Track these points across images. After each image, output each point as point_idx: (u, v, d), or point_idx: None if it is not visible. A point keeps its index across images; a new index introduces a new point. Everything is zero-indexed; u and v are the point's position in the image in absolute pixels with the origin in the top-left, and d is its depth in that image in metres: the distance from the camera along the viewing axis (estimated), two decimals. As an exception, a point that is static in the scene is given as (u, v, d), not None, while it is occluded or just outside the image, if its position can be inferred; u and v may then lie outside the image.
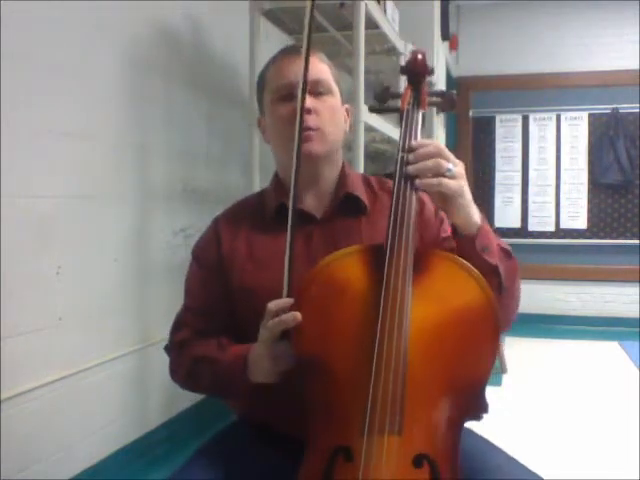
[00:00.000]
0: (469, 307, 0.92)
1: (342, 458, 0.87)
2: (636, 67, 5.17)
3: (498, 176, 5.63)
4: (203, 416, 2.62)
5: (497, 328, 0.92)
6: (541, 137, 5.54)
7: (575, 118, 5.44)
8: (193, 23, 2.72)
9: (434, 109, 1.19)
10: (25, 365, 1.89)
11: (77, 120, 2.05)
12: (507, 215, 5.58)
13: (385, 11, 2.86)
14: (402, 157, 0.98)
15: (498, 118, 5.62)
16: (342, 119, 1.19)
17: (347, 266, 0.96)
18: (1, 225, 1.76)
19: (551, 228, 5.50)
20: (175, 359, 1.18)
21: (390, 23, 2.94)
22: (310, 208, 1.15)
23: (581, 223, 5.44)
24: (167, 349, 1.21)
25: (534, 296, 5.22)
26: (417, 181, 0.95)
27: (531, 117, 5.54)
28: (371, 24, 2.64)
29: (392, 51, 3.09)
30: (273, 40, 2.68)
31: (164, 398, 2.59)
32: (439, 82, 4.14)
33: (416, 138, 1.01)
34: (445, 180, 0.94)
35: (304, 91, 1.01)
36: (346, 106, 1.21)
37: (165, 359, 1.20)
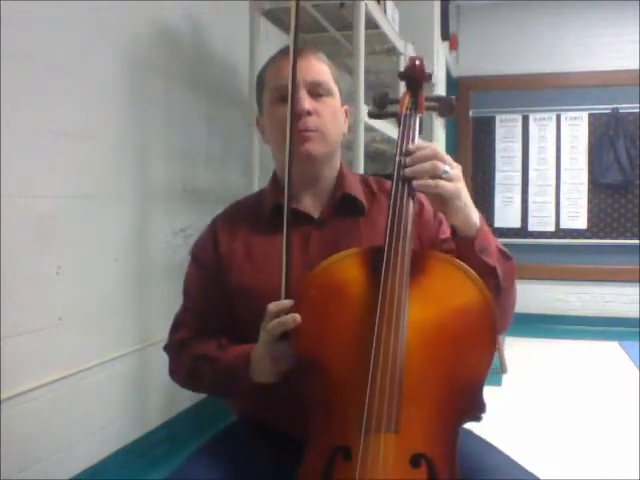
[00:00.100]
0: (466, 308, 0.93)
1: (341, 458, 0.88)
2: (636, 67, 5.17)
3: (498, 176, 5.63)
4: (203, 416, 2.62)
5: (494, 329, 0.93)
6: (541, 137, 5.54)
7: (575, 118, 5.44)
8: (193, 23, 2.72)
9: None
10: (25, 365, 1.89)
11: (77, 120, 2.05)
12: (507, 215, 5.57)
13: (385, 11, 2.87)
14: (399, 160, 0.99)
15: (498, 118, 5.61)
16: (342, 120, 1.19)
17: (346, 268, 0.97)
18: (1, 225, 1.76)
19: (551, 228, 5.50)
20: (175, 358, 1.19)
21: (390, 23, 2.94)
22: (308, 208, 1.16)
23: (581, 223, 5.44)
24: (166, 349, 1.21)
25: (534, 296, 5.23)
26: (414, 183, 0.96)
27: (531, 117, 5.54)
28: (371, 24, 2.64)
29: (392, 51, 3.09)
30: (273, 40, 2.67)
31: (164, 398, 2.59)
32: (439, 82, 4.14)
33: (414, 142, 1.02)
34: (442, 182, 0.95)
35: (293, 90, 1.03)
36: (345, 107, 1.22)
37: (165, 359, 1.21)
